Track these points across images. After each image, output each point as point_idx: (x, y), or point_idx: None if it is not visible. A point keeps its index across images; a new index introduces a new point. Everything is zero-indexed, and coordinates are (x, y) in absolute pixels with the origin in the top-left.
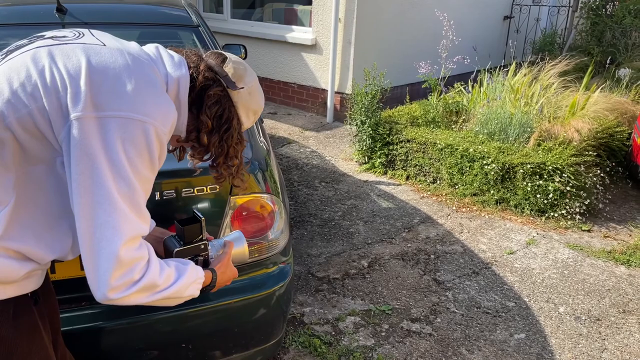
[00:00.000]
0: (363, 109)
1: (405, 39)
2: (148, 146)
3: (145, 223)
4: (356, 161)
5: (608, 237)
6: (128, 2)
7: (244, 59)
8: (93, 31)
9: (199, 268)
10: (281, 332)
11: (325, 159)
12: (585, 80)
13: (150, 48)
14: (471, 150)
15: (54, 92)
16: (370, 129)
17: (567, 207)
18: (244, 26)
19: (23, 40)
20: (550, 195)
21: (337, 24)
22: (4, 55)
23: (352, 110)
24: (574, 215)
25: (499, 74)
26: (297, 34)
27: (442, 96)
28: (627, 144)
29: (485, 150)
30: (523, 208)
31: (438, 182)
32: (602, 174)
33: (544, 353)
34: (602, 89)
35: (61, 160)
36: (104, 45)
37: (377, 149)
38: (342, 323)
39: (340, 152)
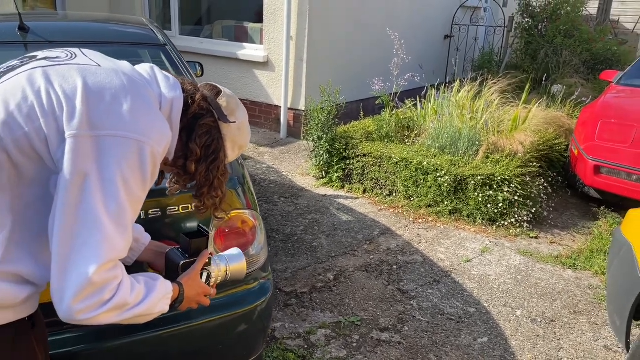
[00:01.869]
0: (320, 125)
1: (356, 56)
2: (142, 166)
3: (128, 244)
4: (313, 176)
5: (554, 243)
6: (91, 21)
7: (201, 76)
8: (85, 51)
9: (168, 282)
10: (262, 347)
11: (282, 175)
12: (524, 96)
13: (144, 68)
14: (425, 163)
15: (51, 112)
16: (327, 144)
17: (516, 216)
18: (193, 43)
19: (14, 62)
20: (500, 205)
21: (289, 42)
22: None
23: (309, 126)
24: (522, 223)
25: (445, 90)
26: (249, 51)
27: (394, 112)
28: (565, 155)
29: (438, 163)
30: (475, 218)
31: (394, 194)
32: (545, 184)
33: (506, 355)
34: (539, 104)
35: (55, 180)
36: (99, 66)
37: (334, 163)
38: (313, 336)
39: (296, 167)
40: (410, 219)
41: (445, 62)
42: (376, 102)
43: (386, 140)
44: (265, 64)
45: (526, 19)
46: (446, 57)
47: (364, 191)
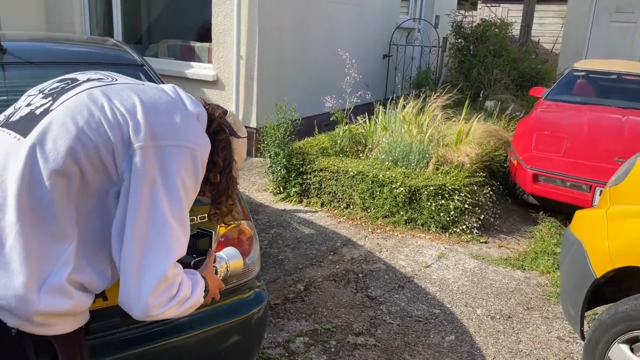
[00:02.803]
0: (276, 142)
1: (306, 74)
2: (195, 171)
3: (187, 241)
4: (271, 191)
5: (502, 246)
6: (64, 42)
7: None
8: (116, 74)
9: (200, 276)
10: (256, 355)
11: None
12: (464, 111)
13: (168, 87)
14: (380, 176)
15: (117, 125)
16: (284, 160)
17: (466, 223)
18: None
19: (54, 84)
20: (452, 213)
21: (239, 61)
22: (34, 97)
23: (265, 143)
24: (472, 230)
25: (390, 107)
26: (197, 70)
27: (347, 127)
28: (505, 165)
29: (393, 175)
30: (429, 226)
31: (351, 207)
32: (491, 192)
33: (472, 350)
34: (478, 118)
35: (115, 191)
36: (144, 84)
37: (291, 178)
38: (292, 344)
39: (252, 183)
40: (369, 230)
41: (385, 80)
42: (330, 119)
43: (341, 155)
44: (214, 83)
45: (459, 40)
46: (386, 76)
47: (322, 205)
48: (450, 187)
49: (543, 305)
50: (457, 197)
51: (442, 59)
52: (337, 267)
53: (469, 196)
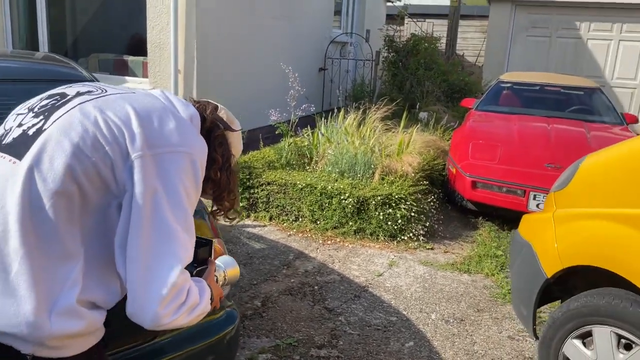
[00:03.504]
0: None
1: (249, 87)
2: (195, 175)
3: (193, 247)
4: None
5: (447, 252)
6: (7, 58)
7: None
8: (104, 84)
9: (205, 282)
10: None
11: None
12: (402, 123)
13: (157, 92)
14: (329, 187)
15: (113, 139)
16: None
17: (413, 231)
18: None
19: (43, 101)
20: (399, 222)
21: (177, 75)
22: (24, 116)
23: None
24: (418, 237)
25: (331, 119)
26: (132, 84)
27: (292, 140)
28: (443, 173)
29: (341, 187)
30: (378, 235)
31: (300, 219)
32: (435, 200)
33: (432, 355)
34: (417, 129)
35: (116, 203)
36: (134, 92)
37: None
38: None
39: None
40: (320, 242)
41: (322, 92)
42: (276, 132)
43: (288, 168)
44: None
45: (391, 53)
46: (322, 88)
47: (271, 218)
48: (396, 197)
49: (492, 307)
50: (403, 206)
51: (376, 72)
52: (292, 280)
53: (415, 204)
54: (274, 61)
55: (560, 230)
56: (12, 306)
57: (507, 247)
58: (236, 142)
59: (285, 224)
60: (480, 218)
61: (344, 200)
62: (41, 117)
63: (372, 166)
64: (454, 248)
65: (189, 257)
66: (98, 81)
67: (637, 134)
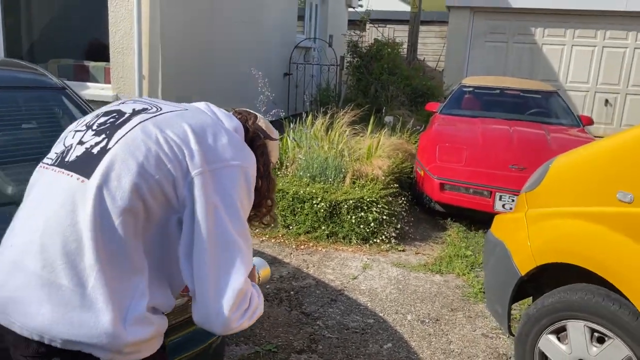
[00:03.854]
0: None
1: (216, 92)
2: (248, 187)
3: (252, 254)
4: None
5: (419, 253)
6: None
7: None
8: (155, 100)
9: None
10: None
11: None
12: (370, 127)
13: (202, 105)
14: (301, 192)
15: (174, 157)
16: None
17: (385, 233)
18: None
19: (100, 118)
20: (371, 225)
21: (142, 81)
22: (83, 133)
23: None
24: (390, 239)
25: (299, 124)
26: (94, 90)
27: None
28: (411, 176)
29: (313, 191)
30: (350, 238)
31: (272, 225)
32: (405, 202)
33: (410, 355)
34: (385, 133)
35: (176, 218)
36: (187, 109)
37: None
38: None
39: None
40: (293, 247)
41: (287, 97)
42: None
43: None
44: None
45: (355, 59)
46: (287, 93)
47: None
48: (368, 200)
49: (465, 306)
50: (375, 209)
51: (341, 76)
52: (268, 286)
53: (386, 207)
54: (240, 66)
55: (532, 229)
56: (90, 319)
57: (475, 247)
58: (274, 150)
59: (257, 230)
60: (448, 219)
61: (316, 205)
62: (103, 135)
63: (343, 170)
64: (424, 249)
65: (250, 264)
66: (68, 87)
67: (595, 136)
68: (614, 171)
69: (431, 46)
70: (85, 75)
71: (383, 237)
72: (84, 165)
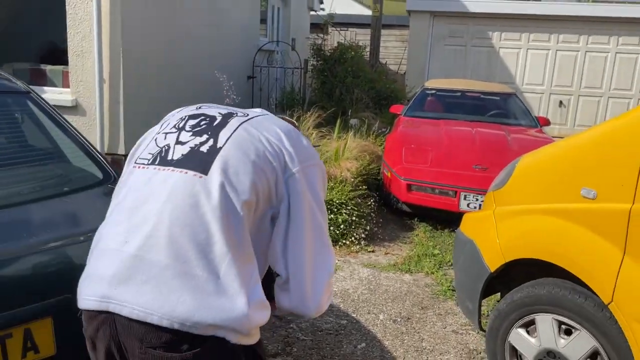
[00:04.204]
0: None
1: (180, 95)
2: (325, 182)
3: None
4: None
5: (388, 253)
6: None
7: None
8: (233, 107)
9: None
10: None
11: None
12: (337, 129)
13: (259, 111)
14: None
15: (276, 156)
16: None
17: (355, 234)
18: None
19: (189, 121)
20: (341, 226)
21: (102, 85)
22: (177, 133)
23: None
24: (360, 241)
25: None
26: (52, 95)
27: None
28: (378, 178)
29: None
30: None
31: None
32: (374, 203)
33: (384, 354)
34: (352, 135)
35: (271, 212)
36: (266, 114)
37: None
38: None
39: None
40: None
41: (251, 101)
42: None
43: None
44: (74, 108)
45: (319, 62)
46: (251, 97)
47: None
48: (337, 202)
49: (434, 304)
50: (344, 211)
51: (305, 80)
52: None
53: (356, 209)
54: (204, 69)
55: (501, 226)
56: (227, 303)
57: (442, 246)
58: None
59: None
60: (415, 219)
61: None
62: (205, 135)
63: None
64: (393, 249)
65: (333, 251)
66: (33, 91)
67: (552, 136)
68: (578, 169)
69: (392, 50)
70: (42, 80)
71: (353, 238)
72: (196, 162)
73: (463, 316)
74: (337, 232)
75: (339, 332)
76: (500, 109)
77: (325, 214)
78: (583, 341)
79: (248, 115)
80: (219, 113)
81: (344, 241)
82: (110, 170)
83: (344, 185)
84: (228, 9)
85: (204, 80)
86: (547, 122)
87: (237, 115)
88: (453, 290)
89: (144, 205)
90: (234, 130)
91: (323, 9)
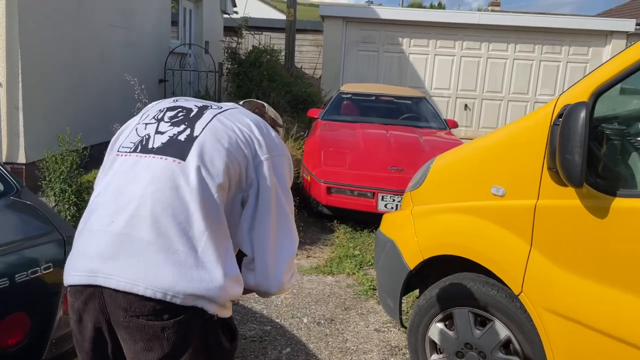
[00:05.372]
0: (62, 177)
1: (87, 100)
2: (292, 173)
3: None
4: None
5: (310, 256)
6: None
7: None
8: (200, 100)
9: None
10: None
11: None
12: None
13: (234, 105)
14: None
15: (247, 144)
16: (73, 196)
17: None
18: None
19: (167, 112)
20: None
21: None
22: (156, 124)
23: (47, 179)
24: None
25: None
26: None
27: None
28: (298, 181)
29: None
30: None
31: None
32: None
33: (309, 357)
34: None
35: (240, 196)
36: (238, 107)
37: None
38: None
39: None
40: None
41: None
42: None
43: None
44: None
45: (234, 65)
46: None
47: None
48: None
49: (357, 304)
50: None
51: (220, 83)
52: None
53: None
54: (113, 72)
55: (418, 225)
56: (206, 275)
57: (362, 247)
58: (280, 134)
59: None
60: (335, 221)
61: None
62: (183, 126)
63: None
64: (315, 252)
65: (297, 234)
66: None
67: (460, 137)
68: (488, 168)
69: (307, 54)
70: None
71: None
72: (175, 149)
73: (384, 314)
74: None
75: (263, 339)
76: (412, 112)
77: (291, 200)
78: (497, 331)
79: (221, 107)
80: (195, 105)
81: None
82: (12, 181)
83: None
84: (135, 9)
85: (114, 83)
86: (455, 125)
87: (211, 108)
88: (374, 290)
89: (128, 188)
90: (209, 121)
91: (237, 12)
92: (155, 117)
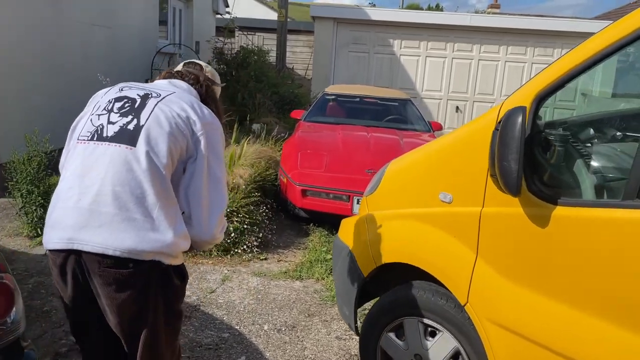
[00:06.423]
0: (28, 178)
1: (62, 100)
2: (223, 140)
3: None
4: (26, 235)
5: (281, 261)
6: None
7: None
8: (152, 87)
9: None
10: None
11: None
12: (234, 134)
13: (178, 82)
14: None
15: (185, 125)
16: (40, 198)
17: (247, 243)
18: None
19: (115, 103)
20: (232, 235)
21: None
22: (107, 115)
23: (14, 180)
24: (252, 249)
25: None
26: None
27: None
28: (276, 184)
29: None
30: (211, 251)
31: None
32: (267, 210)
33: None
34: (248, 141)
35: (183, 166)
36: (175, 91)
37: None
38: None
39: (0, 228)
40: None
41: None
42: None
43: None
44: None
45: (221, 66)
46: None
47: None
48: (228, 210)
49: (321, 310)
50: (235, 219)
51: None
52: None
53: (247, 216)
54: (94, 72)
55: (371, 231)
56: (161, 236)
57: None
58: (218, 91)
59: None
60: (311, 225)
61: None
62: (130, 116)
63: None
64: (287, 256)
65: (227, 194)
66: None
67: None
68: (436, 174)
69: (300, 55)
70: None
71: (245, 247)
72: (126, 137)
73: None
74: (228, 241)
75: (219, 347)
76: (396, 114)
77: (222, 165)
78: (445, 342)
79: (160, 95)
80: (138, 95)
81: (235, 250)
82: None
83: (236, 193)
84: (119, 9)
85: (96, 84)
86: (439, 127)
87: (152, 97)
88: None
89: (91, 171)
90: (152, 110)
91: (229, 12)
92: (106, 109)
